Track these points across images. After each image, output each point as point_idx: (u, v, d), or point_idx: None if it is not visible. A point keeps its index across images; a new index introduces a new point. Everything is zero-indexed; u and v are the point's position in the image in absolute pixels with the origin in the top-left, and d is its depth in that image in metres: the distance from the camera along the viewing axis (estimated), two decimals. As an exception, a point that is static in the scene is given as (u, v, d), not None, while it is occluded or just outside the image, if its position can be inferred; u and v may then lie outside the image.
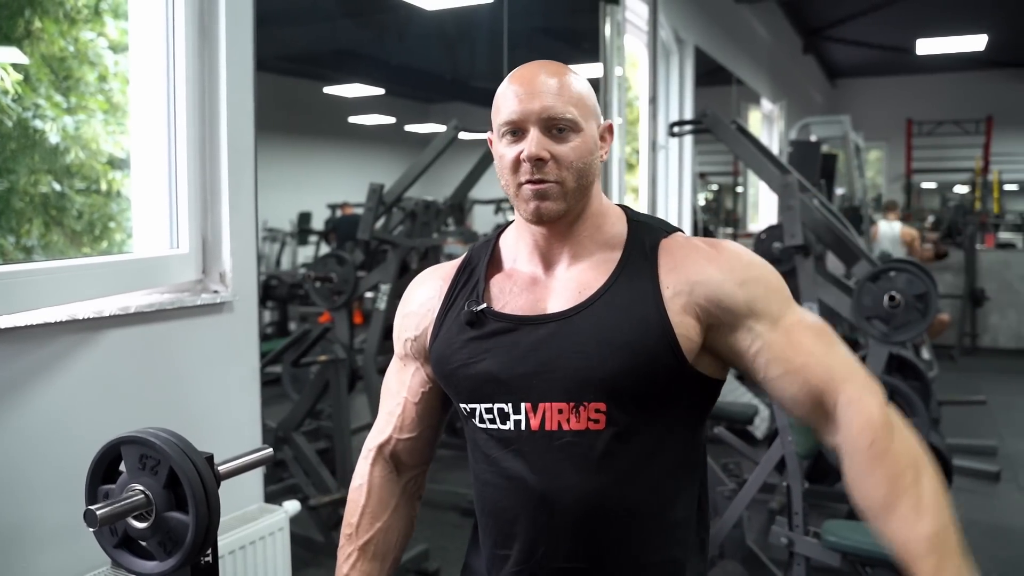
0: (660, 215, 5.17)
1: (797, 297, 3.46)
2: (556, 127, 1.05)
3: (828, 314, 3.60)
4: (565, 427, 1.04)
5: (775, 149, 8.48)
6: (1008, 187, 11.76)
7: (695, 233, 6.01)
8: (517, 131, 1.06)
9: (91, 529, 1.09)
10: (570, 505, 1.04)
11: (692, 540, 1.11)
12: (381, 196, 3.97)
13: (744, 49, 6.94)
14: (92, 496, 1.17)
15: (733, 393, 4.45)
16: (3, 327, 1.41)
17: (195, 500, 1.12)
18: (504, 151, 1.07)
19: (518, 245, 1.15)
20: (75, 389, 1.56)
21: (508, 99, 1.07)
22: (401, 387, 1.22)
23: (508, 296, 1.11)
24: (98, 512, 1.08)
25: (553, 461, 1.05)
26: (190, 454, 1.15)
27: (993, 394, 6.13)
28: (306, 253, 9.95)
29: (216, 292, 1.88)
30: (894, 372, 3.63)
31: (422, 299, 1.19)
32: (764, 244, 4.08)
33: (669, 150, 5.20)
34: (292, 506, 2.00)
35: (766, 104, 8.00)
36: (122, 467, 1.17)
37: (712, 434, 4.07)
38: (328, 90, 9.90)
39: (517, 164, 1.06)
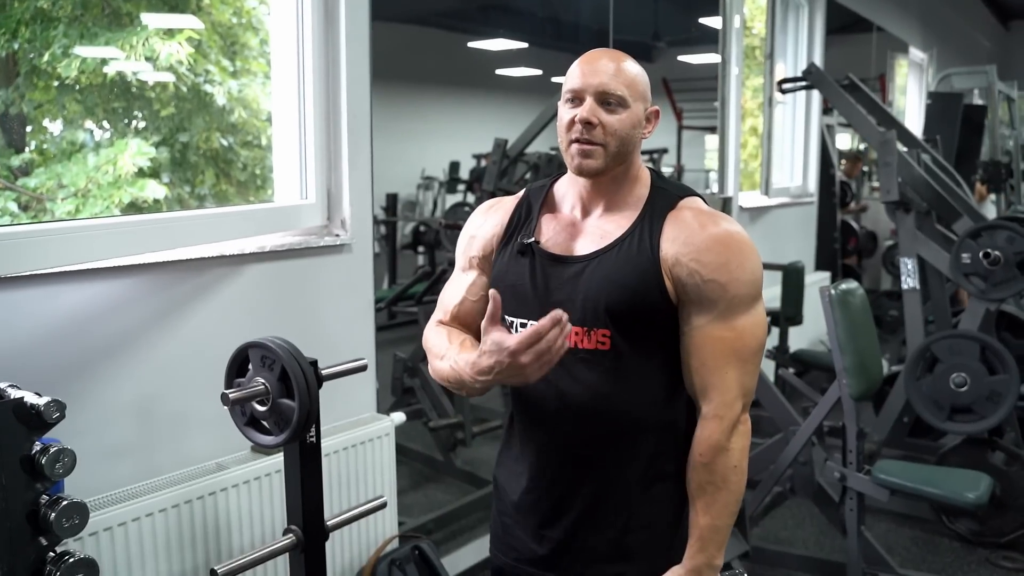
0: (778, 169, 5.21)
1: (898, 252, 3.52)
2: (607, 100, 1.29)
3: (931, 273, 3.63)
4: (580, 346, 1.33)
5: (923, 101, 8.12)
6: None
7: (832, 186, 5.97)
8: (576, 99, 1.30)
9: (226, 407, 1.49)
10: (582, 402, 1.34)
11: (680, 438, 1.38)
12: (505, 150, 4.29)
13: (891, -4, 6.70)
14: (228, 385, 1.58)
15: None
16: (169, 260, 1.85)
17: (299, 391, 1.50)
18: (564, 113, 1.32)
19: (568, 192, 1.42)
20: (224, 310, 1.99)
21: (574, 73, 1.32)
22: (460, 287, 1.50)
23: (552, 233, 1.40)
24: (231, 395, 1.48)
25: (571, 369, 1.34)
26: (297, 357, 1.52)
27: None
28: (455, 200, 10.42)
29: (337, 236, 2.27)
30: (1003, 330, 3.63)
31: (488, 227, 1.47)
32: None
33: (796, 104, 5.20)
34: (398, 417, 2.39)
35: (915, 53, 7.65)
36: (250, 366, 1.56)
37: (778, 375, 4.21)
38: (473, 44, 10.24)
39: (571, 125, 1.30)
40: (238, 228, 1.99)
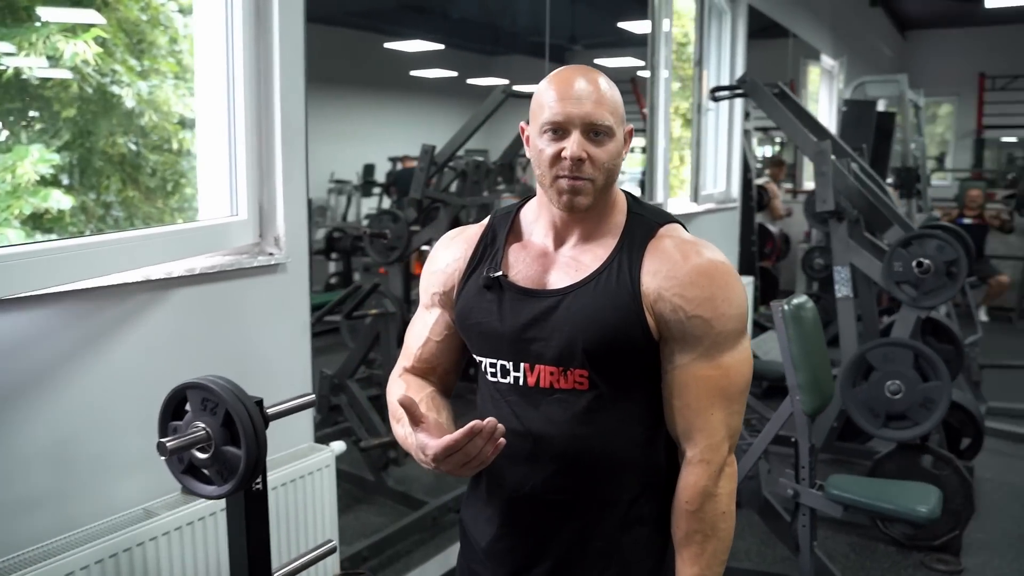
0: (707, 175, 5.25)
1: (832, 261, 3.56)
2: (594, 131, 1.20)
3: (860, 279, 3.68)
4: (556, 386, 1.24)
5: (834, 108, 8.37)
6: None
7: (749, 190, 6.05)
8: (559, 131, 1.20)
9: (162, 457, 1.33)
10: (558, 446, 1.24)
11: (661, 481, 1.29)
12: (433, 156, 4.16)
13: (803, 2, 6.84)
14: (163, 431, 1.40)
15: (769, 355, 4.56)
16: (89, 287, 1.65)
17: (246, 437, 1.34)
18: (545, 146, 1.22)
19: (538, 221, 1.32)
20: (149, 340, 1.81)
21: (551, 101, 1.21)
22: (424, 328, 1.40)
23: (521, 265, 1.29)
24: (168, 444, 1.31)
25: (545, 411, 1.25)
26: (243, 398, 1.37)
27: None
28: (370, 204, 10.19)
29: (271, 254, 2.10)
30: (927, 335, 3.71)
31: (448, 260, 1.36)
32: (812, 206, 4.16)
33: (720, 110, 5.23)
34: (338, 446, 2.24)
35: (826, 60, 7.87)
36: (188, 407, 1.40)
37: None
38: (389, 45, 10.05)
39: (556, 160, 1.21)
40: (165, 251, 1.81)
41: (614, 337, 1.20)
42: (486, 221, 1.39)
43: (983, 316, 7.23)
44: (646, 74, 4.37)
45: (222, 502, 1.46)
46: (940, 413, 3.05)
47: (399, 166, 10.91)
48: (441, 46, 10.60)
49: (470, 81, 14.08)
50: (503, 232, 1.34)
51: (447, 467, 1.16)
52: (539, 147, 1.24)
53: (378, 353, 3.70)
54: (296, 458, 2.11)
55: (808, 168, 9.36)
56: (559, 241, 1.29)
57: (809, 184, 9.04)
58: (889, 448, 3.26)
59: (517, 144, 4.83)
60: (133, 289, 1.75)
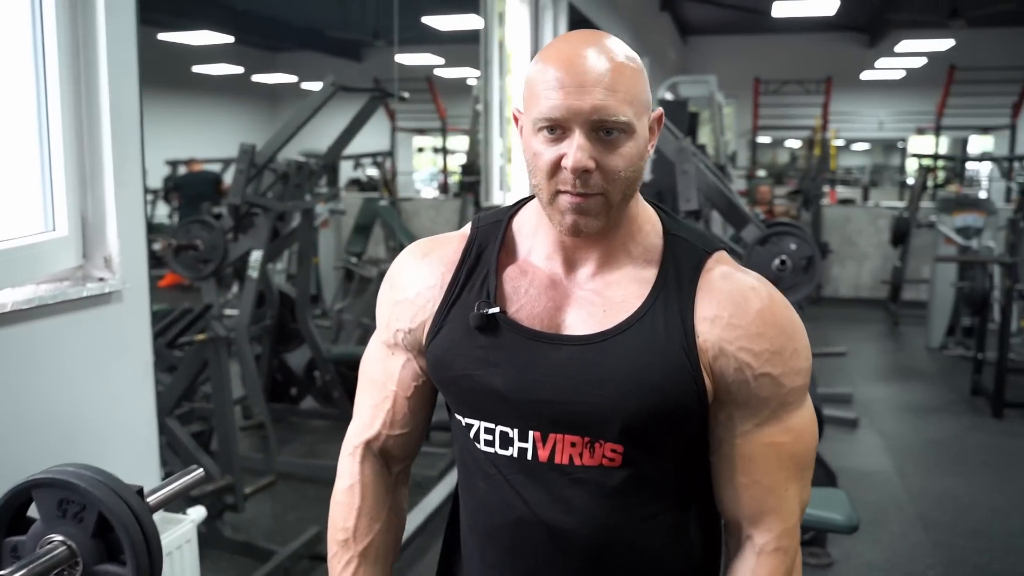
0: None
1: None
2: (605, 128, 0.89)
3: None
4: (577, 462, 0.94)
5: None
6: (837, 142, 12.52)
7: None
8: (557, 129, 0.90)
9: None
10: (579, 538, 0.96)
11: (701, 566, 1.04)
12: (253, 158, 3.70)
13: (610, 3, 6.92)
14: (-2, 552, 0.97)
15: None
16: None
17: (134, 549, 0.95)
18: (540, 149, 0.91)
19: (536, 236, 1.00)
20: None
21: (549, 87, 0.90)
22: (388, 379, 1.07)
23: (524, 298, 0.98)
24: (11, 576, 0.89)
25: (563, 494, 0.95)
26: (122, 493, 0.97)
27: (841, 342, 6.54)
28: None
29: (102, 280, 1.63)
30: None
31: (419, 287, 1.03)
32: None
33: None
34: (197, 512, 1.80)
35: (629, 61, 8.04)
36: (36, 514, 0.97)
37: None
38: (165, 37, 9.14)
39: (556, 168, 0.91)
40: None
41: (663, 404, 0.92)
42: (466, 232, 1.05)
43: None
44: (445, 73, 4.14)
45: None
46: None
47: (183, 169, 10.00)
48: (230, 39, 9.82)
49: (255, 78, 13.25)
50: (493, 249, 1.01)
51: None
52: (533, 149, 0.92)
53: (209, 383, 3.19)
54: (148, 538, 1.66)
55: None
56: (570, 266, 0.98)
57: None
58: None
59: (341, 144, 4.44)
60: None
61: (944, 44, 9.77)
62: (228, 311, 4.21)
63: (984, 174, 10.65)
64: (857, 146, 14.42)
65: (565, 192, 0.91)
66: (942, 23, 8.11)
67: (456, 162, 10.77)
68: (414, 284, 1.03)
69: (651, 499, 0.97)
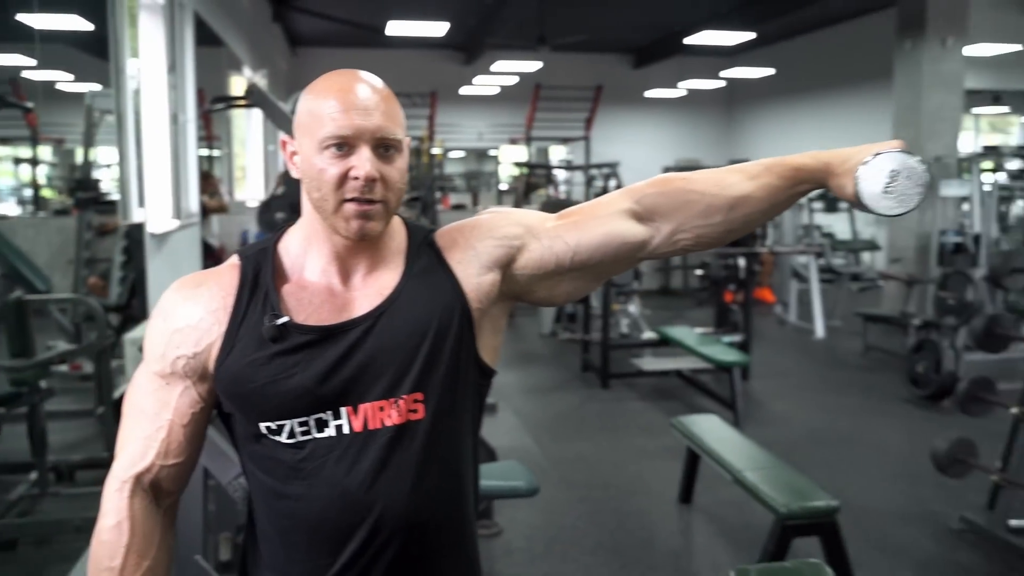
0: (190, 189, 4.88)
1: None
2: (384, 146, 1.05)
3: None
4: (388, 423, 1.07)
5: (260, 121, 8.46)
6: (435, 150, 13.57)
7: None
8: (344, 147, 1.04)
9: None
10: (394, 511, 1.07)
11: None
12: None
13: (230, 12, 6.78)
14: None
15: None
16: None
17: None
18: (326, 165, 1.04)
19: (308, 254, 1.12)
20: None
21: (336, 111, 1.03)
22: (163, 408, 1.09)
23: (308, 307, 1.09)
24: None
25: (374, 466, 1.06)
26: None
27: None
28: None
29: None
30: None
31: (200, 312, 1.09)
32: (267, 215, 3.97)
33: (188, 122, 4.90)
34: None
35: (248, 72, 7.91)
36: None
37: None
38: None
39: (343, 180, 1.04)
40: None
41: (441, 338, 1.10)
42: (234, 262, 1.13)
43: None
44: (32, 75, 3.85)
45: None
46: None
47: None
48: None
49: None
50: (267, 271, 1.11)
51: None
52: (319, 166, 1.05)
53: None
54: None
55: (240, 180, 9.31)
56: (345, 275, 1.12)
57: (241, 195, 9.02)
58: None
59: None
60: None
61: (533, 65, 11.08)
62: None
63: (563, 178, 12.20)
64: (454, 154, 15.66)
65: (352, 200, 1.05)
66: (531, 47, 9.22)
67: (46, 175, 9.66)
68: (194, 311, 1.09)
69: (455, 452, 1.12)
